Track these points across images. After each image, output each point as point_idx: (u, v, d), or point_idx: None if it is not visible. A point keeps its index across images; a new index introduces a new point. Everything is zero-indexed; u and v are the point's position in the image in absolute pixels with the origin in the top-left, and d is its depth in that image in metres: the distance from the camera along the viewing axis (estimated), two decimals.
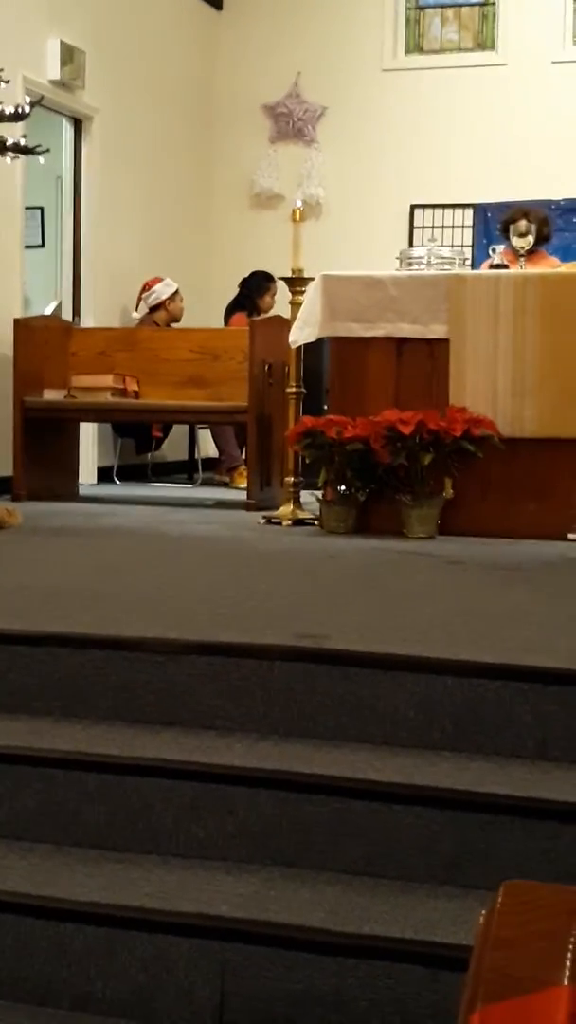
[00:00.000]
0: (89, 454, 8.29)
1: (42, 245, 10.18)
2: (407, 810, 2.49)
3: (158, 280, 8.70)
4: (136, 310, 8.75)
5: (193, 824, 2.59)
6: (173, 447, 9.24)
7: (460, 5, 9.97)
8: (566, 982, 0.90)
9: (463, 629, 3.15)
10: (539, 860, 2.43)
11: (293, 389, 5.99)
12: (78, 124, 8.46)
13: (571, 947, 0.89)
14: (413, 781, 2.52)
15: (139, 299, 8.72)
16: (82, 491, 7.55)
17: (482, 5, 9.89)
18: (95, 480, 8.37)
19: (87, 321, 8.44)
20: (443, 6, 10.00)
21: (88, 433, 8.24)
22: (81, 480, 7.67)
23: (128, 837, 2.62)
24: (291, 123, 10.12)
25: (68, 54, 8.01)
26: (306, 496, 5.95)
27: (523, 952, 0.90)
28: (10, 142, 5.63)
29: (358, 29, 9.91)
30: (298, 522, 5.81)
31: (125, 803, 2.63)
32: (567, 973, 0.90)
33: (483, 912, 1.00)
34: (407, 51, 10.05)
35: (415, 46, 10.06)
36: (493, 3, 9.83)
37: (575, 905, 0.93)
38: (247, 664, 2.81)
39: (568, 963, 0.90)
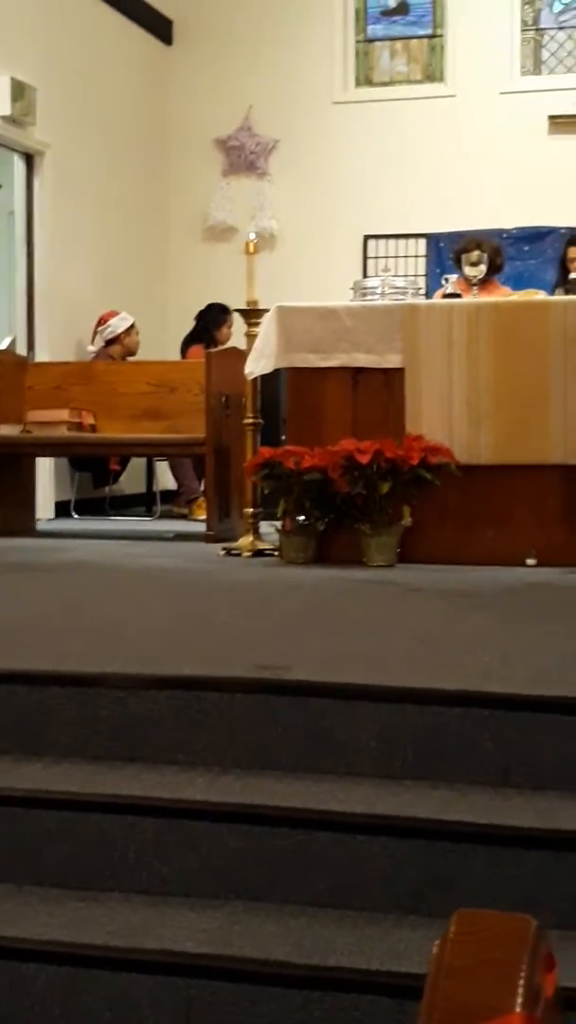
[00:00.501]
0: (46, 488, 8.25)
1: None
2: (371, 840, 2.49)
3: (113, 314, 8.70)
4: (92, 344, 8.74)
5: (156, 860, 2.57)
6: (131, 480, 9.22)
7: (408, 38, 10.09)
8: (519, 1009, 0.90)
9: (423, 657, 3.15)
10: (503, 887, 2.43)
11: (250, 420, 5.99)
12: (29, 159, 8.47)
13: (523, 974, 0.90)
14: (376, 811, 2.52)
15: (94, 333, 8.72)
16: (40, 526, 7.51)
17: (430, 38, 10.01)
18: (53, 515, 8.33)
19: (42, 355, 8.42)
20: (392, 39, 10.12)
21: (45, 467, 8.21)
22: (38, 515, 7.63)
23: (90, 875, 2.60)
24: (243, 156, 10.17)
25: (19, 90, 8.02)
26: (265, 527, 5.94)
27: (476, 980, 0.90)
28: None
29: (308, 62, 10.00)
30: (258, 553, 5.80)
31: (87, 841, 2.61)
32: (520, 1000, 0.90)
33: (437, 941, 1.00)
34: (357, 84, 10.15)
35: (365, 79, 10.16)
36: (441, 35, 9.95)
37: (526, 932, 0.94)
38: (208, 697, 2.81)
39: (520, 990, 0.90)
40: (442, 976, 0.93)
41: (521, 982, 0.91)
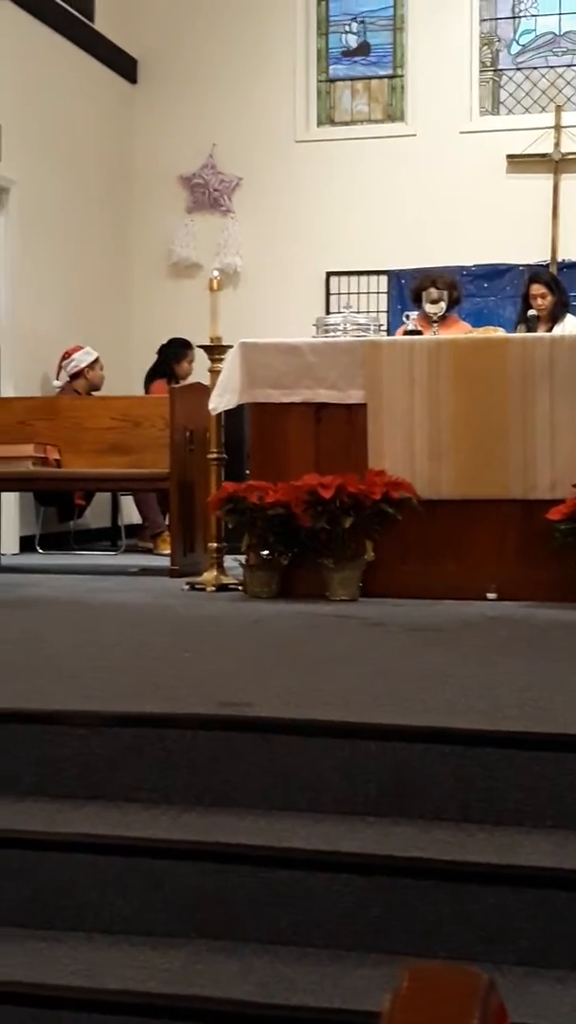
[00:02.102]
0: (11, 523, 8.22)
1: None
2: (333, 878, 2.48)
3: (77, 348, 8.70)
4: (56, 379, 8.74)
5: (118, 899, 2.55)
6: (96, 515, 9.19)
7: (369, 78, 10.19)
8: None
9: (385, 692, 3.16)
10: (464, 923, 2.43)
11: (214, 455, 6.00)
12: None
13: None
14: (338, 848, 2.51)
15: (59, 368, 8.72)
16: (3, 561, 7.47)
17: (391, 78, 10.11)
18: (17, 550, 8.29)
19: (7, 390, 8.40)
20: (353, 79, 10.21)
21: (9, 502, 8.18)
22: (3, 550, 7.60)
23: (52, 914, 2.57)
24: (207, 194, 10.22)
25: None
26: (230, 561, 5.94)
27: None
28: None
29: (271, 102, 10.08)
30: (222, 587, 5.79)
31: (49, 880, 2.59)
32: None
33: (388, 996, 1.00)
34: (319, 123, 10.23)
35: (327, 118, 10.24)
36: (402, 76, 10.05)
37: (476, 987, 0.94)
38: (170, 735, 2.80)
39: None
40: None
41: None
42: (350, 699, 3.05)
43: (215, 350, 5.96)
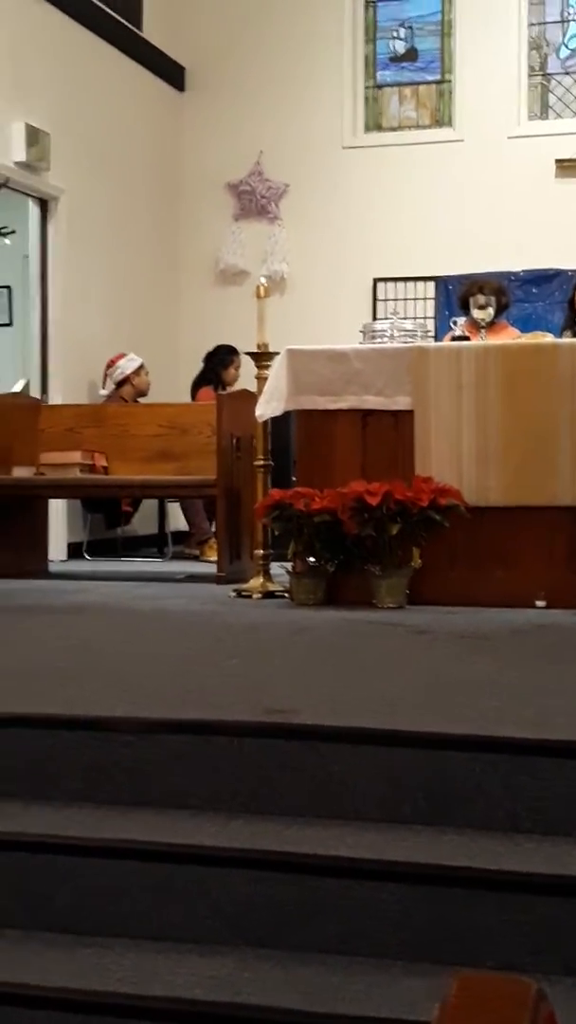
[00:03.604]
0: (59, 530, 8.27)
1: (10, 324, 10.24)
2: (380, 887, 2.47)
3: (122, 356, 8.74)
4: (103, 387, 8.78)
5: (165, 906, 2.56)
6: (143, 521, 9.23)
7: (417, 84, 10.17)
8: None
9: (432, 700, 3.14)
10: (513, 934, 2.41)
11: (261, 462, 6.01)
12: (44, 204, 8.55)
13: None
14: (385, 856, 2.50)
15: (104, 376, 8.77)
16: (52, 567, 7.52)
17: (439, 83, 10.10)
18: (65, 556, 8.34)
19: (55, 398, 8.47)
20: (400, 85, 10.21)
21: (58, 509, 8.23)
22: (51, 556, 7.64)
23: (99, 921, 2.58)
24: (254, 200, 10.24)
25: (33, 136, 8.11)
26: (276, 568, 5.94)
27: None
28: None
29: (318, 108, 10.09)
30: (268, 595, 5.80)
31: (96, 886, 2.60)
32: None
33: (437, 1006, 0.99)
34: (367, 129, 10.23)
35: (374, 124, 10.24)
36: (449, 81, 10.03)
37: (525, 997, 0.93)
38: (217, 742, 2.80)
39: None
40: None
41: None
42: (397, 707, 3.04)
43: (262, 357, 5.97)
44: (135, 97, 9.70)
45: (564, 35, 9.88)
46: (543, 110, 9.90)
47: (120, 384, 8.71)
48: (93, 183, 8.98)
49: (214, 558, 7.27)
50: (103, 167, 9.15)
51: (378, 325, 6.19)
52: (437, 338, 8.59)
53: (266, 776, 2.76)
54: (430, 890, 2.45)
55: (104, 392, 8.76)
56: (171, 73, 10.19)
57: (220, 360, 9.02)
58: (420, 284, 9.86)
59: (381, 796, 2.70)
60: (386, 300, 9.85)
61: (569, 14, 9.87)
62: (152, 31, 9.88)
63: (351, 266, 9.91)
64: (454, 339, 6.09)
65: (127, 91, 9.56)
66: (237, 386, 8.59)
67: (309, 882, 2.50)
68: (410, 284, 9.87)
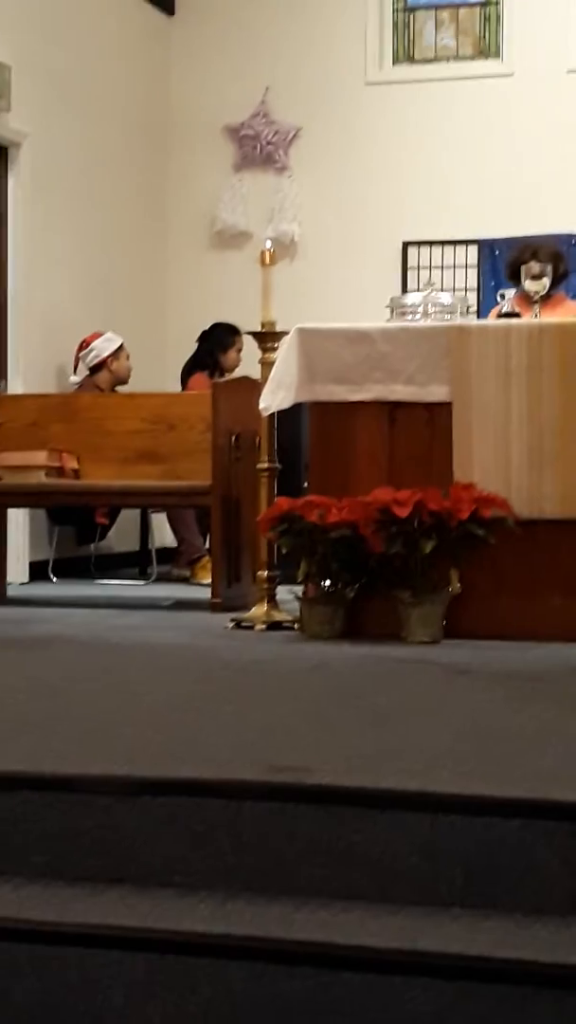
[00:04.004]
0: (19, 546, 8.27)
1: None
2: (409, 982, 2.47)
3: (97, 335, 8.75)
4: (75, 372, 8.80)
5: (147, 1004, 2.56)
6: (121, 536, 9.24)
7: (457, 5, 10.20)
8: None
9: (474, 756, 3.15)
10: None
11: (266, 465, 6.01)
12: (3, 152, 8.57)
13: None
14: (416, 946, 2.50)
15: (76, 359, 8.78)
16: (10, 591, 7.53)
17: (483, 5, 10.12)
18: (27, 578, 8.35)
19: (16, 386, 8.48)
20: (437, 7, 10.23)
21: (18, 521, 8.24)
22: (10, 578, 7.65)
23: (67, 1021, 2.58)
24: (259, 147, 10.27)
25: None
26: (283, 593, 5.95)
27: None
28: None
29: (337, 35, 10.12)
30: (274, 625, 5.80)
31: (64, 979, 2.60)
32: None
33: None
34: (395, 61, 10.26)
35: (405, 55, 10.27)
36: (497, 3, 10.05)
37: None
38: (212, 805, 2.80)
39: None
40: None
41: None
42: (432, 763, 3.04)
43: (267, 337, 5.98)
44: (113, 23, 9.73)
45: None
46: None
47: (95, 370, 8.72)
48: (62, 126, 9.01)
49: (208, 581, 7.27)
50: (75, 107, 9.18)
51: (409, 299, 6.20)
52: (481, 314, 8.61)
53: (271, 848, 2.76)
54: (471, 987, 2.45)
55: (75, 379, 8.77)
56: None
57: (217, 341, 9.03)
58: (460, 249, 9.88)
59: (412, 872, 2.70)
60: (418, 268, 9.87)
61: None
62: None
63: (376, 227, 9.93)
64: (501, 315, 6.09)
65: (104, 16, 9.60)
66: (237, 373, 8.61)
67: (323, 977, 2.50)
68: (448, 249, 9.89)
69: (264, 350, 5.99)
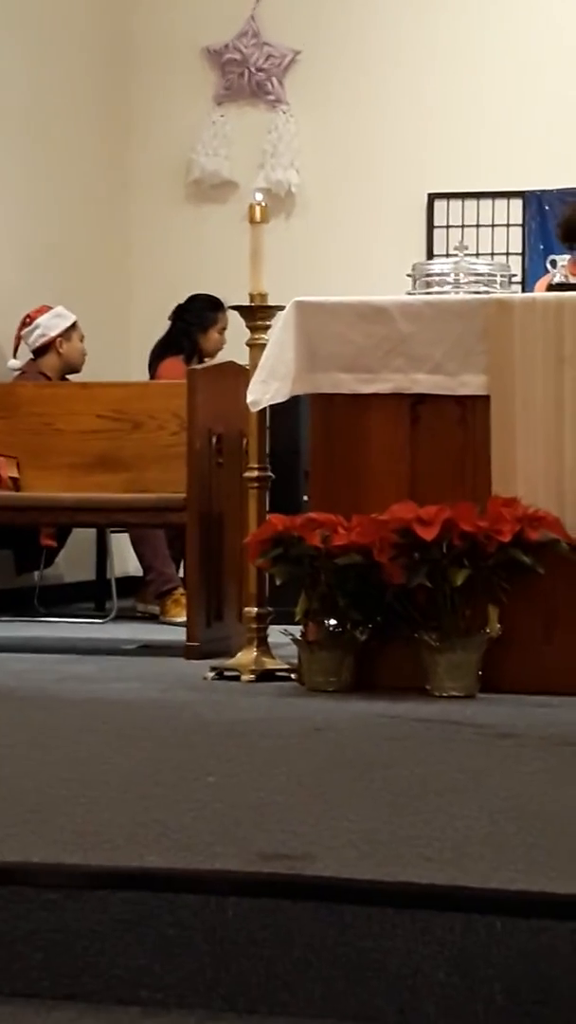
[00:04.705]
0: None
1: None
2: None
3: (44, 310, 8.74)
4: (14, 356, 8.79)
5: None
6: (73, 563, 9.23)
7: None
8: None
9: (518, 842, 3.14)
10: None
11: (255, 473, 6.02)
12: None
13: None
14: None
15: (17, 340, 8.77)
16: None
17: None
18: None
19: None
20: None
21: None
22: None
23: None
24: (247, 75, 10.29)
25: None
26: (278, 636, 5.94)
27: None
28: None
29: None
30: (265, 675, 5.81)
31: None
32: None
33: None
34: None
35: None
36: None
37: None
38: (187, 902, 2.79)
39: None
40: None
41: None
42: (463, 852, 3.04)
43: (257, 313, 5.99)
44: None
45: None
46: None
47: (40, 352, 8.72)
48: (2, 53, 9.01)
49: (182, 619, 7.26)
50: (18, 27, 9.19)
51: (436, 266, 6.23)
52: (527, 287, 8.61)
53: (262, 956, 2.76)
54: None
55: (16, 364, 8.77)
56: None
57: (196, 318, 9.04)
58: (500, 203, 9.88)
59: (440, 989, 2.69)
60: (448, 227, 9.88)
61: None
62: None
63: (394, 175, 9.93)
64: (552, 288, 6.12)
65: None
66: (220, 357, 8.61)
67: None
68: (484, 203, 9.90)
69: (253, 329, 6.00)
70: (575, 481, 5.45)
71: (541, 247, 9.34)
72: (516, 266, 9.24)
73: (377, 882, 2.80)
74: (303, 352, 5.69)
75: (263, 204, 6.14)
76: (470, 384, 5.58)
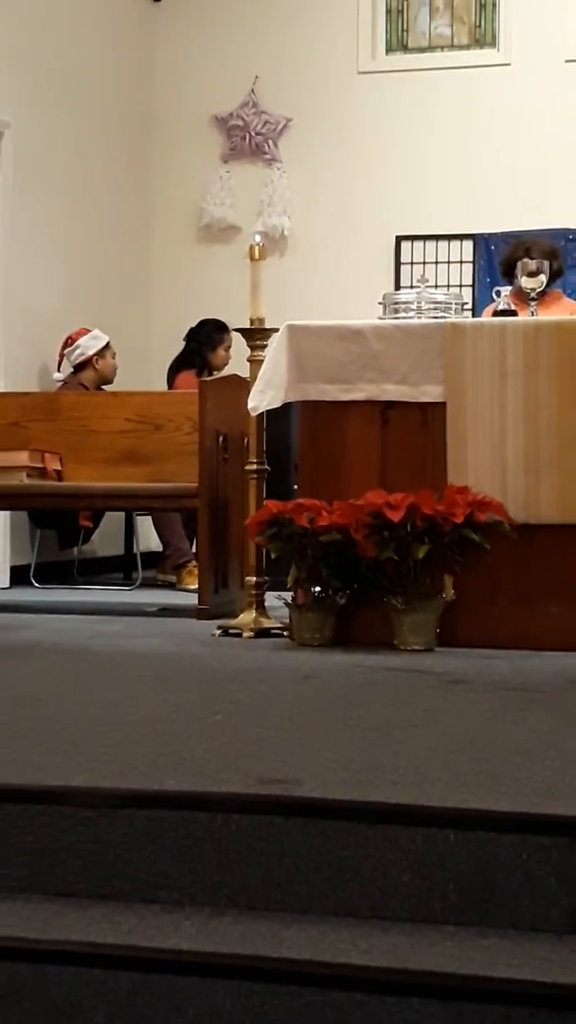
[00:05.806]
0: (0, 550, 8.26)
1: None
2: (402, 1003, 2.46)
3: (83, 332, 8.75)
4: (58, 370, 8.79)
5: None
6: (105, 540, 9.23)
7: None
8: None
9: (469, 769, 3.14)
10: None
11: (254, 467, 6.02)
12: None
13: None
14: (408, 965, 2.50)
15: (60, 356, 8.77)
16: None
17: None
18: (8, 583, 8.34)
19: None
20: None
21: None
22: None
23: None
24: (248, 138, 10.28)
25: None
26: (272, 600, 5.94)
27: None
28: None
29: (329, 23, 10.12)
30: (263, 633, 5.80)
31: (45, 1000, 2.59)
32: None
33: None
34: (388, 49, 10.26)
35: (398, 43, 10.27)
36: None
37: None
38: (198, 819, 2.79)
39: None
40: None
41: None
42: (425, 776, 3.04)
43: (256, 334, 5.98)
44: (98, 8, 9.72)
45: None
46: None
47: (80, 367, 8.72)
48: (45, 117, 9.00)
49: (195, 586, 7.27)
50: (58, 97, 9.17)
51: (402, 296, 6.21)
52: (476, 312, 8.60)
53: (260, 863, 2.76)
54: (465, 1007, 2.45)
55: (59, 376, 8.77)
56: None
57: (206, 338, 9.03)
58: (455, 244, 9.88)
59: (404, 889, 2.70)
60: (412, 264, 9.87)
61: None
62: None
63: (368, 221, 9.93)
64: (497, 313, 6.10)
65: (88, 1, 9.58)
66: (226, 371, 8.60)
67: (312, 997, 2.49)
68: (442, 244, 9.90)
69: (253, 348, 6.00)
70: (515, 473, 5.45)
71: (488, 280, 9.33)
72: (468, 296, 9.25)
73: (354, 802, 2.81)
74: (294, 366, 5.69)
75: (261, 245, 6.13)
76: (430, 393, 5.57)
